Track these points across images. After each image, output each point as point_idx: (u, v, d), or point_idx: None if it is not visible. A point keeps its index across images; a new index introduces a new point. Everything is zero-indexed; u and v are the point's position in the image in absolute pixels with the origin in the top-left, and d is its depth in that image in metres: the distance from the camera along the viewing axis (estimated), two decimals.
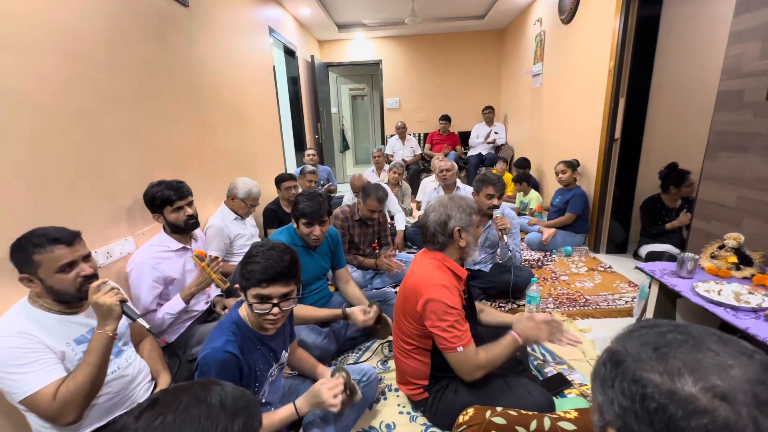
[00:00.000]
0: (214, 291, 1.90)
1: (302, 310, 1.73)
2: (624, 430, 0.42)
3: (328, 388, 1.14)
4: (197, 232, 1.81)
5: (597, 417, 0.46)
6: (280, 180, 2.93)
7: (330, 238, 1.97)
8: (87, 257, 1.14)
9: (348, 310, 1.73)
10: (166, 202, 1.63)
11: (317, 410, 1.18)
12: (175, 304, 1.59)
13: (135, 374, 1.26)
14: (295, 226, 1.83)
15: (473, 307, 1.54)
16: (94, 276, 1.13)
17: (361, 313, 1.68)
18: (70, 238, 1.09)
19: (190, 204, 1.71)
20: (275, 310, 1.08)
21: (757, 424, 0.35)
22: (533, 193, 4.01)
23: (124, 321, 1.23)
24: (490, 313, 1.65)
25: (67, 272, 1.08)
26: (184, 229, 1.69)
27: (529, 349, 1.82)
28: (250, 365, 1.10)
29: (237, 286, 1.12)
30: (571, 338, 1.30)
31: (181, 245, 1.71)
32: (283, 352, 1.29)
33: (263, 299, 1.07)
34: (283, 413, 1.14)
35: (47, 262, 1.05)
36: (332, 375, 1.24)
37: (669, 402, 0.38)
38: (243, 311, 1.16)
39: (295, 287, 1.13)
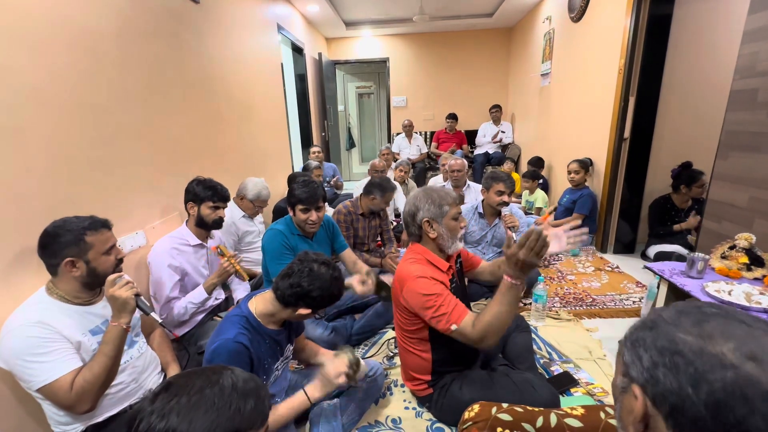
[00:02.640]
0: (238, 293, 1.97)
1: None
2: (649, 384, 0.46)
3: (333, 366, 1.18)
4: (214, 231, 1.87)
5: (620, 379, 0.51)
6: (293, 179, 2.99)
7: (327, 225, 2.00)
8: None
9: (346, 282, 1.74)
10: (210, 198, 1.73)
11: (328, 391, 1.19)
12: (198, 294, 1.66)
13: (146, 365, 1.28)
14: (291, 214, 1.85)
15: (466, 297, 1.54)
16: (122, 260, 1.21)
17: (359, 284, 1.70)
18: (110, 223, 1.19)
19: (224, 208, 1.82)
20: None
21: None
22: (539, 192, 3.99)
23: (136, 312, 1.25)
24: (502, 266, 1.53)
25: (110, 254, 1.15)
26: (209, 226, 1.77)
27: (535, 347, 1.81)
28: (260, 358, 1.12)
29: (308, 311, 1.15)
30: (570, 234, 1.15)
31: (199, 241, 1.77)
32: (288, 345, 1.30)
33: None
34: (294, 401, 1.16)
35: (98, 244, 1.12)
36: (336, 355, 1.26)
37: (697, 358, 0.42)
38: (252, 306, 1.17)
39: None
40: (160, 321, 1.17)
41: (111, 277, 1.11)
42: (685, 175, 2.72)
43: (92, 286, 1.15)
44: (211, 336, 1.15)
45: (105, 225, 1.16)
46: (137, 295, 1.13)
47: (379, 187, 2.45)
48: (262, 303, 1.18)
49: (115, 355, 1.08)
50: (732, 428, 0.38)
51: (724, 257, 1.66)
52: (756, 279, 1.54)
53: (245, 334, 1.10)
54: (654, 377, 0.46)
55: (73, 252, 1.08)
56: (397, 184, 3.66)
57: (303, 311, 1.14)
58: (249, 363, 1.08)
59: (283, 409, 1.15)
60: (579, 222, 1.13)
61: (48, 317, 1.05)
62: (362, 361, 1.28)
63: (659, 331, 0.47)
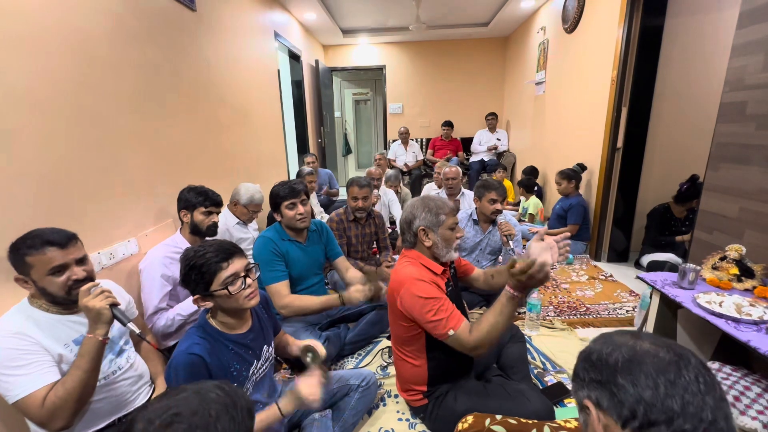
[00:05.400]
0: None
1: (296, 300, 1.74)
2: (585, 387, 0.60)
3: (307, 384, 1.13)
4: (209, 238, 1.84)
5: (580, 412, 0.62)
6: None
7: (320, 230, 2.00)
8: (82, 260, 1.12)
9: (344, 295, 1.71)
10: (202, 204, 1.72)
11: (299, 407, 1.14)
12: (188, 306, 1.62)
13: (136, 377, 1.26)
14: (278, 218, 1.84)
15: (461, 302, 1.54)
16: (86, 279, 1.10)
17: (356, 292, 1.68)
18: (64, 240, 1.07)
19: (218, 213, 1.80)
20: (249, 281, 1.11)
21: (644, 347, 0.57)
22: (533, 198, 4.01)
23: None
24: (499, 274, 1.59)
25: (58, 275, 1.06)
26: (204, 233, 1.74)
27: (529, 357, 1.81)
28: (222, 366, 1.08)
29: (196, 297, 1.09)
30: (560, 245, 1.15)
31: None
32: (265, 347, 1.25)
33: (233, 280, 1.07)
34: (265, 414, 1.12)
35: (38, 264, 1.03)
36: (302, 353, 1.22)
37: (601, 349, 0.59)
38: (209, 316, 1.15)
39: (247, 259, 1.15)
40: (137, 332, 1.12)
41: (85, 286, 1.05)
42: (695, 189, 2.69)
43: (56, 302, 1.08)
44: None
45: (52, 243, 1.04)
46: (114, 305, 1.07)
47: (347, 183, 2.50)
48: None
49: (90, 368, 1.02)
50: (644, 392, 0.52)
51: (715, 268, 1.68)
52: (746, 290, 1.55)
53: (200, 344, 1.06)
54: (584, 378, 0.60)
55: (20, 270, 1.04)
56: (391, 191, 3.67)
57: (197, 299, 1.09)
58: (206, 372, 1.04)
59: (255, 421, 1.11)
60: (569, 234, 1.16)
61: (28, 328, 1.02)
62: (329, 374, 1.21)
63: (581, 353, 0.63)
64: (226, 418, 0.57)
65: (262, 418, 1.10)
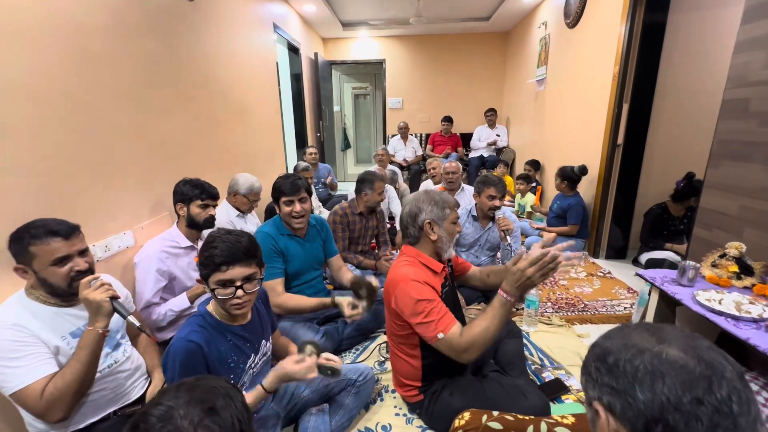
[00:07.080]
0: None
1: (290, 300, 1.73)
2: (596, 388, 0.55)
3: (294, 361, 1.11)
4: (205, 231, 1.82)
5: (588, 408, 0.58)
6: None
7: (319, 225, 1.98)
8: (84, 252, 1.12)
9: (337, 299, 1.68)
10: (198, 197, 1.69)
11: (284, 381, 1.12)
12: (180, 302, 1.60)
13: (132, 369, 1.25)
14: (277, 210, 1.82)
15: (456, 301, 1.54)
16: (88, 271, 1.11)
17: (349, 307, 1.61)
18: (68, 231, 1.08)
19: (215, 206, 1.77)
20: (239, 293, 1.06)
21: (671, 356, 0.50)
22: (529, 195, 4.00)
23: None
24: (494, 273, 1.61)
25: (61, 266, 1.06)
26: (200, 226, 1.72)
27: (526, 353, 1.81)
28: (220, 357, 1.08)
29: (198, 279, 1.09)
30: (566, 260, 1.09)
31: (190, 243, 1.72)
32: (263, 341, 1.25)
33: (225, 284, 1.04)
34: (252, 394, 1.10)
35: (42, 254, 1.03)
36: (300, 350, 1.18)
37: (620, 351, 0.53)
38: (211, 305, 1.14)
39: (257, 269, 1.11)
40: (137, 325, 1.11)
41: (85, 279, 1.06)
42: (692, 187, 2.66)
43: (55, 294, 1.08)
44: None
45: (57, 234, 1.05)
46: (114, 297, 1.08)
47: (364, 181, 2.44)
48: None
49: (89, 361, 1.03)
50: (666, 407, 0.46)
51: (714, 265, 1.67)
52: (746, 288, 1.55)
53: (199, 332, 1.05)
54: (595, 379, 0.55)
55: (21, 260, 1.04)
56: (392, 188, 3.65)
57: (198, 280, 1.09)
58: (203, 361, 1.03)
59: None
60: (572, 243, 1.15)
61: (24, 319, 1.01)
62: (329, 358, 1.17)
63: (595, 347, 0.59)
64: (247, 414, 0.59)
65: (250, 400, 1.08)
